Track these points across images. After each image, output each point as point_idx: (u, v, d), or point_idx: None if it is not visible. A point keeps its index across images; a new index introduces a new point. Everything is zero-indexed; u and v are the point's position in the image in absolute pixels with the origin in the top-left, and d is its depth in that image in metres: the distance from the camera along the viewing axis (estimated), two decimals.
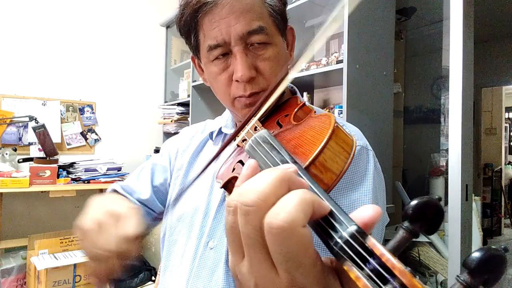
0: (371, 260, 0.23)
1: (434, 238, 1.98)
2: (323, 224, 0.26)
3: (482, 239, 2.40)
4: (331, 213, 0.26)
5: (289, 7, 1.92)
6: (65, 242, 2.27)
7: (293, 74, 0.39)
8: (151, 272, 2.63)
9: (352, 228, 0.24)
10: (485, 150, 4.83)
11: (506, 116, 5.63)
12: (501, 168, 4.97)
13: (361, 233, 0.24)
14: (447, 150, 1.69)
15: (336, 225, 0.25)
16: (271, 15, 0.59)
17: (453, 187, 1.32)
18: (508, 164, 5.47)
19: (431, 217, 0.24)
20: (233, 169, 0.44)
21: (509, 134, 6.19)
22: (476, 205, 2.11)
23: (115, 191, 0.83)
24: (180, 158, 0.79)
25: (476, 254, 0.21)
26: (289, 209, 0.24)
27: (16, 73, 2.64)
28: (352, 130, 0.65)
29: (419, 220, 0.24)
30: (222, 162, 0.50)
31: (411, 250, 1.94)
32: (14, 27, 2.62)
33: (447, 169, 1.89)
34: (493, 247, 0.22)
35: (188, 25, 0.61)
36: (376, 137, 1.73)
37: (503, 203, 4.89)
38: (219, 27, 0.56)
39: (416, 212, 0.24)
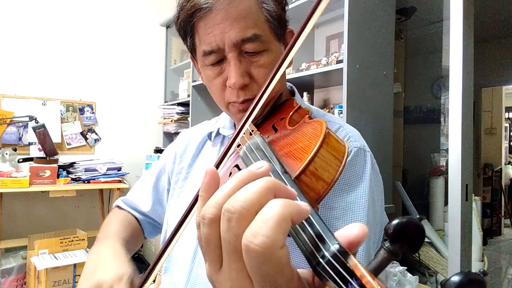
0: (352, 281, 0.23)
1: (434, 238, 1.98)
2: (306, 241, 0.26)
3: (482, 239, 2.40)
4: (315, 231, 0.26)
5: (289, 7, 1.92)
6: (65, 242, 2.26)
7: (280, 74, 0.38)
8: None
9: (335, 248, 0.24)
10: (485, 150, 4.83)
11: (506, 116, 5.63)
12: (501, 168, 4.97)
13: (343, 252, 0.24)
14: (447, 150, 1.69)
15: (319, 243, 0.25)
16: (268, 20, 0.58)
17: (453, 187, 1.32)
18: (508, 164, 5.47)
19: (412, 238, 0.23)
20: (230, 173, 0.44)
21: (509, 134, 6.20)
22: (476, 205, 2.11)
23: (118, 207, 0.86)
24: (179, 163, 0.80)
25: (454, 278, 0.21)
26: (267, 231, 0.23)
27: (16, 73, 2.64)
28: (350, 131, 0.64)
29: (399, 240, 0.24)
30: (220, 166, 0.50)
31: None
32: (14, 27, 2.62)
33: (447, 169, 1.89)
34: (472, 271, 0.22)
35: (183, 28, 0.61)
36: (376, 137, 1.74)
37: (503, 203, 4.89)
38: (214, 33, 0.56)
39: (396, 232, 0.24)
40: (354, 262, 0.23)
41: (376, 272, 0.24)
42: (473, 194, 1.43)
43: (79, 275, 2.33)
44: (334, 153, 0.34)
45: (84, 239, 2.33)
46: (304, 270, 0.28)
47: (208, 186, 0.31)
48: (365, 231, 0.25)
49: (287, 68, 0.68)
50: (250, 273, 0.25)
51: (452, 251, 1.32)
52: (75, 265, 2.15)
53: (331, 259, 0.24)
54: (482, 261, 2.27)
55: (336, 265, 0.24)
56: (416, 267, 1.89)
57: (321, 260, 0.24)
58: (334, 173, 0.33)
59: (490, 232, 4.49)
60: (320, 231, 0.26)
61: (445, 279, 0.21)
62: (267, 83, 0.42)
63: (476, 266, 2.06)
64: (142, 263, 2.76)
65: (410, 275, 1.53)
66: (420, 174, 2.43)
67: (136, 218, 0.84)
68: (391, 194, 1.91)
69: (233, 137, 0.42)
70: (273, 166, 0.33)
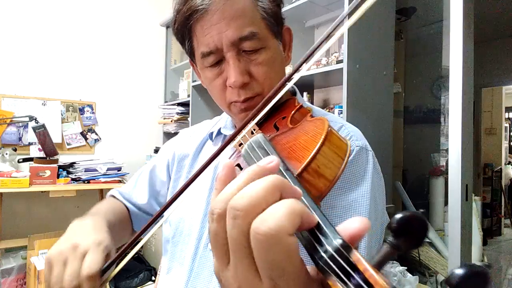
0: (354, 275, 0.23)
1: (434, 238, 1.98)
2: (308, 237, 0.26)
3: (482, 239, 2.40)
4: (317, 226, 0.26)
5: (289, 7, 1.92)
6: None
7: (294, 79, 0.38)
8: (151, 272, 2.63)
9: (337, 242, 0.24)
10: (485, 150, 4.84)
11: (506, 116, 5.63)
12: (501, 168, 4.97)
13: (346, 247, 0.24)
14: (447, 150, 1.70)
15: (322, 238, 0.25)
16: (264, 18, 0.59)
17: (453, 187, 1.32)
18: (508, 164, 5.47)
19: (415, 232, 0.23)
20: None
21: (509, 134, 6.20)
22: (476, 205, 2.11)
23: (113, 196, 0.86)
24: (179, 162, 0.80)
25: (458, 271, 0.21)
26: (277, 217, 0.24)
27: (16, 73, 2.64)
28: (352, 130, 0.64)
29: (403, 234, 0.24)
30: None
31: None
32: (14, 27, 2.62)
33: (447, 169, 1.89)
34: (476, 264, 0.21)
35: (181, 32, 0.61)
36: (376, 137, 1.73)
37: (503, 203, 4.89)
38: (211, 33, 0.56)
39: (400, 227, 0.23)
40: (357, 256, 0.23)
41: (379, 266, 0.24)
42: (473, 194, 1.43)
43: None
44: (336, 150, 0.34)
45: None
46: (310, 268, 0.28)
47: (223, 180, 0.30)
48: (367, 225, 0.25)
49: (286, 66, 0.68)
50: (258, 264, 0.25)
51: (452, 251, 1.32)
52: None
53: (334, 253, 0.24)
54: (482, 261, 2.27)
55: (339, 259, 0.24)
56: (416, 267, 1.89)
57: (323, 254, 0.24)
58: (336, 171, 0.33)
59: (490, 232, 4.49)
60: (323, 225, 0.26)
61: (450, 273, 0.21)
62: (272, 92, 0.42)
63: None
64: (142, 263, 2.76)
65: (410, 275, 1.53)
66: (420, 174, 2.43)
67: (128, 209, 0.83)
68: (391, 194, 1.91)
69: (234, 133, 0.42)
70: None
